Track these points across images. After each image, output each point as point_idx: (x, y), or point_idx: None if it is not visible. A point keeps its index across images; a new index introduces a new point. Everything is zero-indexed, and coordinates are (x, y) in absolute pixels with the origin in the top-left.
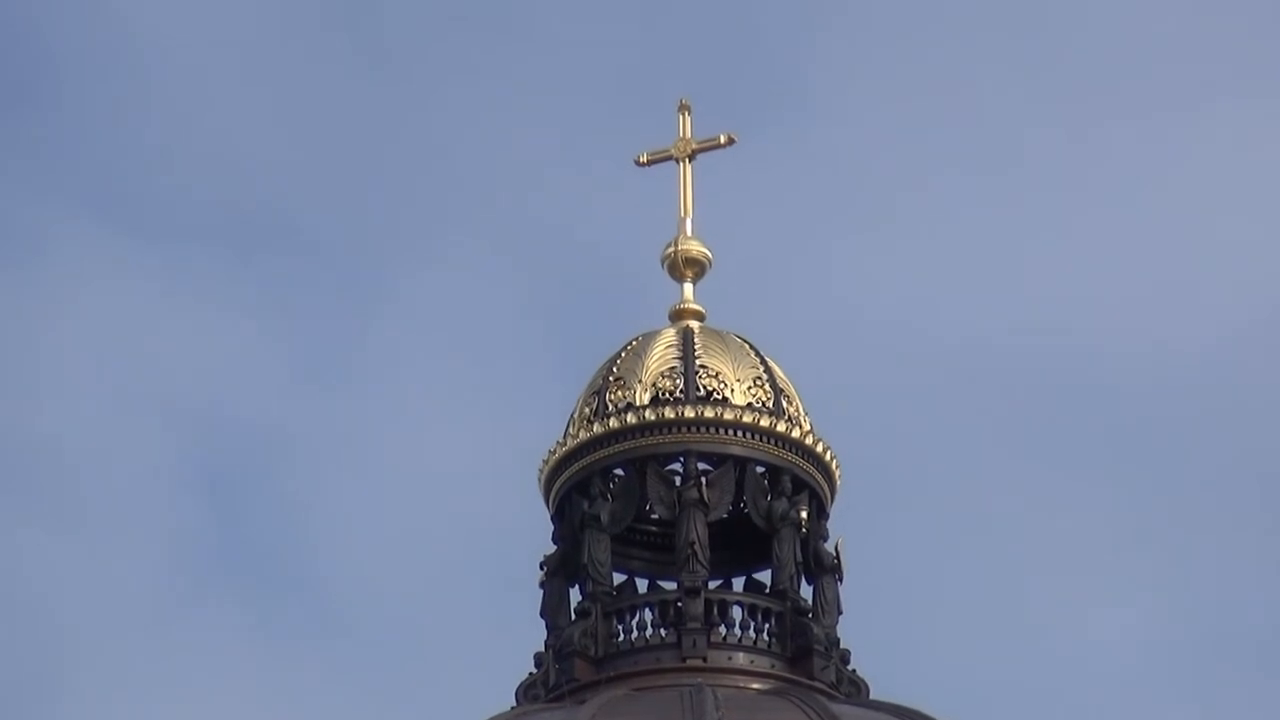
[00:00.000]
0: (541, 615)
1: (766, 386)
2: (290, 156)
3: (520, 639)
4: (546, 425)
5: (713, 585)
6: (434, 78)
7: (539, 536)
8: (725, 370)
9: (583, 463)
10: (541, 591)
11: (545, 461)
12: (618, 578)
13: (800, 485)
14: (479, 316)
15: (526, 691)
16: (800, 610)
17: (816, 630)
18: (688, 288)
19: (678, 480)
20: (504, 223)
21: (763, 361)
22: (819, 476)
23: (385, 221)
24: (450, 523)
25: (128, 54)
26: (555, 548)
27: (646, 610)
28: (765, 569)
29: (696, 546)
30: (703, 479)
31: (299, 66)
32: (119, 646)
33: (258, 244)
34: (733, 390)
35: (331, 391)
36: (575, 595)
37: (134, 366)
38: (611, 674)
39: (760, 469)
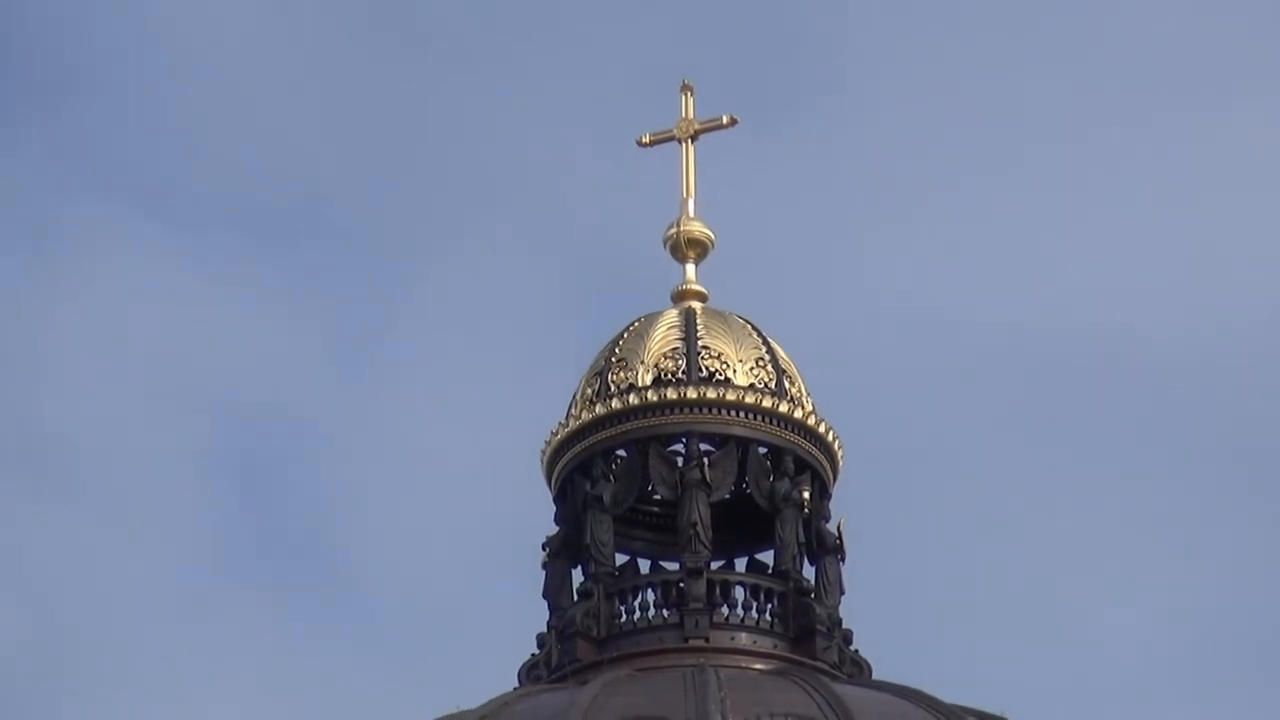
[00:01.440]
0: (544, 596)
1: (769, 367)
2: (309, 146)
3: (523, 620)
4: (551, 409)
5: (715, 566)
6: (436, 65)
7: (542, 518)
8: (728, 351)
9: (585, 444)
10: (544, 572)
11: (547, 443)
12: (620, 558)
13: (802, 466)
14: (490, 303)
15: (529, 672)
16: (803, 591)
17: (819, 611)
18: (690, 269)
19: (680, 461)
20: (510, 208)
21: (765, 342)
22: (821, 457)
23: (402, 210)
24: (455, 507)
25: (157, 42)
26: (557, 529)
27: (649, 591)
28: (767, 549)
29: (699, 527)
30: (705, 460)
31: (323, 57)
32: (133, 636)
33: (281, 233)
34: (735, 371)
35: (346, 380)
36: (577, 576)
37: (157, 354)
38: (614, 654)
39: (762, 449)
